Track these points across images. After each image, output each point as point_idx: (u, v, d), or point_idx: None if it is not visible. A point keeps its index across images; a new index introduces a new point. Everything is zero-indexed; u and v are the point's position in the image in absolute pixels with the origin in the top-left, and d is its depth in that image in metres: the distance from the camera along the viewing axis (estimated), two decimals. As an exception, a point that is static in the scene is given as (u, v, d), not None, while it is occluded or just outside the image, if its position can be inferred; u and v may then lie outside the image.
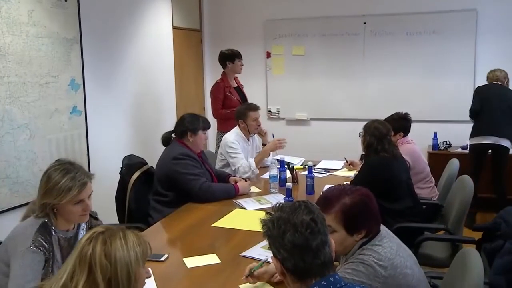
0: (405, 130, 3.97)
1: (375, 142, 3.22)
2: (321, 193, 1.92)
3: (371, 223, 1.86)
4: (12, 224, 2.12)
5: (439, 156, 5.31)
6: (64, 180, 2.04)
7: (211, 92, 5.02)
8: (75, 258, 1.42)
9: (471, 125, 4.93)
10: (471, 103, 4.80)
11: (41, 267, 2.00)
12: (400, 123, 3.93)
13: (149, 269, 1.56)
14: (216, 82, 5.01)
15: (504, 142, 4.72)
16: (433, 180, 4.00)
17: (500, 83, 4.81)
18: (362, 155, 3.52)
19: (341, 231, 1.83)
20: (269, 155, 4.25)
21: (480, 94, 4.76)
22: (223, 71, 5.02)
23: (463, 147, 5.41)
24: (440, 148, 5.46)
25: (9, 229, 2.10)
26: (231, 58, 4.93)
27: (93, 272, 1.37)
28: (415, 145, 3.98)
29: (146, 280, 2.05)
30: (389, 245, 1.84)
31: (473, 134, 4.86)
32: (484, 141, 4.74)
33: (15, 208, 3.34)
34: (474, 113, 4.78)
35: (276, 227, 1.43)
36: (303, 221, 1.40)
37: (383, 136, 3.23)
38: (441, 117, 5.71)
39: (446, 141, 5.49)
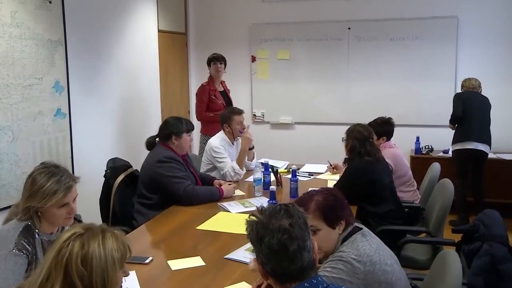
0: (388, 134, 4.04)
1: (357, 145, 3.28)
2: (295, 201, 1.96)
3: (346, 212, 1.97)
4: (-7, 228, 2.11)
5: (421, 160, 5.39)
6: (49, 184, 2.02)
7: (196, 94, 5.07)
8: (51, 259, 1.40)
9: (452, 130, 5.01)
10: (453, 109, 4.89)
11: (23, 270, 1.99)
12: (384, 127, 3.99)
13: (128, 270, 1.53)
14: (202, 84, 5.06)
15: (484, 148, 4.84)
16: (415, 184, 4.07)
17: (475, 91, 4.94)
18: (345, 158, 3.56)
19: (324, 227, 1.90)
20: (253, 158, 4.28)
21: (462, 100, 4.85)
22: (210, 75, 5.10)
23: (445, 151, 5.51)
24: (423, 152, 5.54)
25: (-9, 232, 2.08)
26: (208, 61, 5.09)
27: (69, 276, 1.36)
28: (397, 149, 4.04)
29: (130, 283, 2.08)
30: (368, 243, 1.90)
31: (456, 140, 4.94)
32: (467, 147, 4.83)
33: (-3, 211, 3.31)
34: (456, 119, 4.87)
35: (254, 231, 1.45)
36: (280, 227, 1.41)
37: (365, 139, 3.28)
38: (424, 121, 5.81)
39: (428, 145, 5.57)
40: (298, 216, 1.46)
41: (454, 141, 4.96)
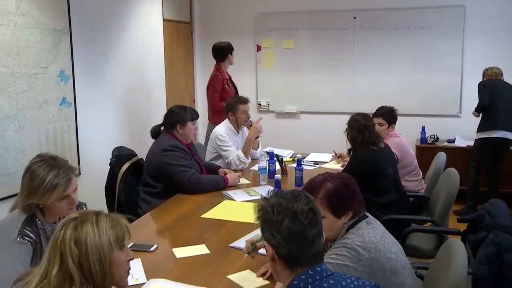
0: (395, 122, 4.02)
1: (356, 134, 3.27)
2: (304, 184, 1.95)
3: (355, 203, 1.94)
4: (0, 215, 2.12)
5: (426, 149, 5.37)
6: (48, 178, 2.00)
7: (209, 84, 4.99)
8: (49, 246, 1.42)
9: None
10: (479, 98, 4.81)
11: (29, 258, 1.99)
12: (391, 115, 3.99)
13: (131, 253, 1.54)
14: (215, 74, 4.98)
15: (510, 136, 4.77)
16: (421, 173, 4.05)
17: (499, 78, 4.88)
18: (348, 149, 3.55)
19: (328, 216, 1.89)
20: (258, 147, 4.28)
21: (488, 88, 4.77)
22: (218, 64, 5.02)
23: (450, 141, 5.49)
24: (428, 141, 5.52)
25: (-2, 220, 2.09)
26: (230, 50, 5.01)
27: (64, 258, 1.37)
28: (403, 138, 4.02)
29: (135, 270, 2.09)
30: (373, 231, 1.90)
31: (482, 129, 4.86)
32: (494, 135, 4.77)
33: (3, 199, 3.33)
34: (483, 108, 4.81)
35: (276, 213, 1.43)
36: (303, 210, 1.41)
37: (363, 128, 3.27)
38: (429, 111, 5.77)
39: (434, 135, 5.55)
40: (314, 202, 1.47)
41: (480, 130, 4.87)
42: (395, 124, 4.02)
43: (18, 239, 1.98)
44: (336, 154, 4.25)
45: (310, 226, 1.40)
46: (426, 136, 5.54)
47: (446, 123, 5.65)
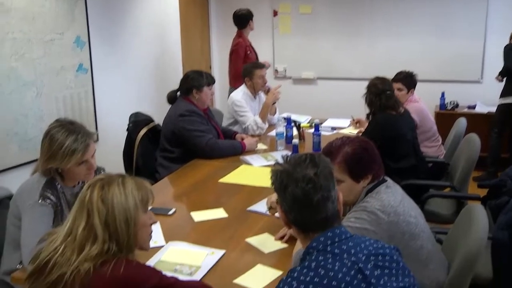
0: (415, 86, 3.93)
1: (374, 98, 3.22)
2: (322, 148, 1.92)
3: (374, 166, 1.91)
4: (22, 181, 2.15)
5: (446, 115, 5.26)
6: (67, 143, 2.02)
7: (233, 51, 5.01)
8: (76, 205, 1.44)
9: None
10: (504, 62, 4.64)
11: (50, 220, 2.03)
12: (411, 80, 3.90)
13: (154, 218, 1.56)
14: (238, 41, 5.01)
15: None
16: (440, 139, 3.98)
17: None
18: (367, 114, 3.50)
19: (347, 180, 1.87)
20: (275, 112, 4.25)
21: None
22: (240, 31, 5.05)
23: (470, 107, 5.37)
24: (447, 108, 5.41)
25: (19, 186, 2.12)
26: (251, 16, 5.07)
27: (91, 217, 1.39)
28: (422, 104, 3.94)
29: (154, 233, 2.10)
30: (392, 194, 1.88)
31: (506, 93, 4.73)
32: None
33: (24, 165, 3.38)
34: (509, 72, 4.65)
35: (278, 180, 1.42)
36: (305, 176, 1.37)
37: (381, 92, 3.21)
38: (449, 77, 5.62)
39: (454, 101, 5.43)
40: (324, 166, 1.41)
41: (504, 95, 4.75)
42: (414, 89, 3.94)
43: (40, 201, 2.02)
44: (354, 120, 4.20)
45: (314, 191, 1.36)
46: (446, 102, 5.43)
47: (467, 89, 5.51)
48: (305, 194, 1.36)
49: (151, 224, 1.53)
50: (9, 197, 2.31)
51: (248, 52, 4.97)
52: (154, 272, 1.44)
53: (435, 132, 3.95)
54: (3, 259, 2.13)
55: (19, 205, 2.06)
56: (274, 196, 2.11)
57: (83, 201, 1.42)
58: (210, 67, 6.29)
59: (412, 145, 3.27)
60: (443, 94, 5.46)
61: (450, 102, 5.42)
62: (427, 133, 3.86)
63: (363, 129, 3.73)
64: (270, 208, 2.16)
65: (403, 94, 3.84)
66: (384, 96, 3.20)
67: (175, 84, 3.55)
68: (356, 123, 4.17)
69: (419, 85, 4.01)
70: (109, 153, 3.45)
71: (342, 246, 1.35)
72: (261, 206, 2.38)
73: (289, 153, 3.28)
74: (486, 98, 5.37)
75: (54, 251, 1.39)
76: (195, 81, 3.34)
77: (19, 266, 2.00)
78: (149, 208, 1.54)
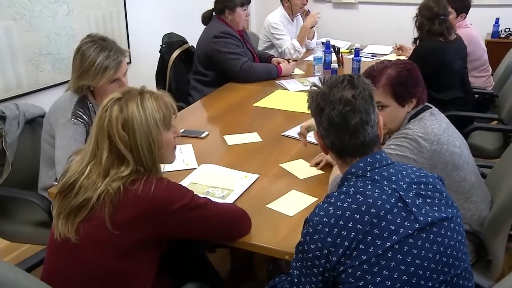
0: (467, 11, 3.62)
1: (425, 22, 2.98)
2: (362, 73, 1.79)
3: (418, 89, 1.81)
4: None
5: (498, 44, 4.84)
6: (99, 60, 1.98)
7: None
8: (95, 127, 1.38)
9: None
10: None
11: (83, 138, 2.04)
12: (462, 3, 3.56)
13: (178, 129, 1.50)
14: None
15: None
16: (490, 69, 3.73)
17: None
18: (414, 38, 3.26)
19: (392, 104, 1.78)
20: (314, 36, 4.06)
21: None
22: None
23: (527, 36, 4.97)
24: (501, 35, 5.00)
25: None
26: None
27: (113, 142, 1.34)
28: (473, 30, 3.65)
29: (186, 155, 2.08)
30: (437, 122, 1.78)
31: None
32: None
33: (57, 85, 3.37)
34: None
35: (315, 103, 1.33)
36: (341, 98, 1.28)
37: (434, 16, 2.96)
38: (507, 0, 5.15)
39: (509, 28, 5.02)
40: (363, 88, 1.31)
41: None
42: (466, 14, 3.62)
43: (72, 119, 2.01)
44: (396, 46, 3.97)
45: (351, 114, 1.27)
46: (500, 29, 5.03)
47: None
48: (342, 117, 1.27)
49: (175, 138, 1.48)
50: (43, 116, 2.31)
51: None
52: (186, 191, 1.41)
53: (485, 61, 3.68)
54: (40, 176, 2.18)
55: (52, 123, 2.07)
56: (306, 122, 2.03)
57: (103, 125, 1.35)
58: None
59: (460, 75, 3.06)
60: (497, 21, 5.02)
61: (505, 30, 5.02)
62: (476, 62, 3.60)
63: (404, 57, 3.52)
64: (299, 134, 2.08)
65: (452, 19, 3.54)
66: (437, 20, 2.95)
67: (210, 2, 3.39)
68: (398, 49, 3.94)
69: (470, 10, 3.68)
70: (141, 76, 3.36)
71: (382, 172, 1.27)
72: (296, 131, 2.29)
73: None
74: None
75: (79, 172, 1.36)
76: (228, 0, 3.17)
77: (55, 183, 2.03)
78: (181, 130, 1.49)
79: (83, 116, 2.04)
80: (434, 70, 2.91)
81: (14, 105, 2.28)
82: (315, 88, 1.37)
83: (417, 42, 3.16)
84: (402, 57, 3.67)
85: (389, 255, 1.15)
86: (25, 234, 2.17)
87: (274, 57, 3.58)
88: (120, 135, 1.33)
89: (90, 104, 2.09)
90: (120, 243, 1.32)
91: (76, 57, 2.04)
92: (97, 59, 1.98)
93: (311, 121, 1.90)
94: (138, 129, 1.34)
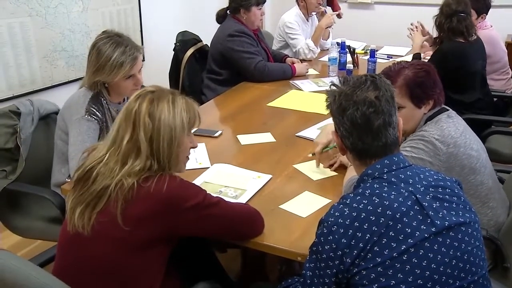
0: (487, 11, 3.55)
1: (443, 20, 2.92)
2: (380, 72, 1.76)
3: (436, 90, 1.78)
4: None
5: (519, 46, 4.79)
6: (115, 55, 1.98)
7: None
8: (122, 114, 1.40)
9: None
10: None
11: (96, 134, 2.04)
12: (482, 3, 3.46)
13: (195, 142, 1.51)
14: None
15: None
16: (510, 72, 3.65)
17: None
18: (434, 38, 3.20)
19: (408, 106, 1.75)
20: (328, 37, 4.03)
21: None
22: None
23: (548, 39, 4.87)
24: (521, 37, 4.92)
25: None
26: None
27: (136, 129, 1.35)
28: (494, 31, 3.58)
29: (199, 154, 2.06)
30: (454, 124, 1.75)
31: None
32: None
33: (71, 82, 3.38)
34: None
35: (337, 103, 1.30)
36: (365, 99, 1.26)
37: (453, 13, 2.89)
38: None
39: (529, 31, 4.93)
40: (386, 89, 1.29)
41: None
42: (486, 14, 3.55)
43: (86, 116, 2.01)
44: (414, 25, 3.66)
45: (375, 116, 1.25)
46: (520, 31, 4.94)
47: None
48: (366, 118, 1.25)
49: (191, 148, 1.49)
50: (57, 112, 2.32)
51: None
52: (199, 190, 1.41)
53: (506, 63, 3.61)
54: (53, 172, 2.19)
55: (66, 119, 2.07)
56: (325, 138, 1.97)
57: (130, 112, 1.37)
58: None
59: (480, 77, 3.01)
60: (517, 22, 4.95)
61: (525, 31, 4.93)
62: (495, 64, 3.53)
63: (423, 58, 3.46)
64: (313, 154, 2.00)
65: (473, 20, 3.48)
66: (456, 18, 2.89)
67: (224, 1, 3.37)
68: (415, 29, 3.62)
69: (491, 10, 3.62)
70: (155, 73, 3.38)
71: (399, 174, 1.25)
72: (310, 132, 2.27)
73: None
74: None
75: (98, 159, 1.37)
76: None
77: (68, 180, 2.03)
78: (194, 129, 1.49)
79: (97, 113, 2.04)
80: (454, 71, 2.86)
81: (29, 101, 2.29)
82: (336, 87, 1.34)
83: (437, 41, 3.09)
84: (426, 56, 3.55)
85: (404, 258, 1.13)
86: (37, 229, 2.18)
87: (288, 56, 3.55)
88: (145, 122, 1.34)
89: (104, 101, 2.09)
90: (131, 239, 1.32)
91: (92, 52, 2.04)
92: (113, 54, 1.98)
93: (329, 136, 1.88)
94: (164, 121, 1.35)
